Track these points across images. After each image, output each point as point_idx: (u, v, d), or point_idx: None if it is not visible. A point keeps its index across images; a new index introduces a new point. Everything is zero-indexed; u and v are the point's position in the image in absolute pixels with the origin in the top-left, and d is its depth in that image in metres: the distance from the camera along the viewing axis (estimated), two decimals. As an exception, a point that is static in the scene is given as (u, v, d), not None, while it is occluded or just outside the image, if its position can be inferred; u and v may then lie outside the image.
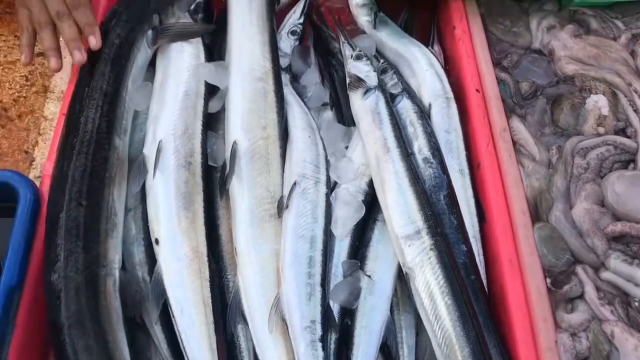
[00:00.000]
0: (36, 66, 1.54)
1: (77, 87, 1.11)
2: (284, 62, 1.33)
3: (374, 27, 1.37)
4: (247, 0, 1.29)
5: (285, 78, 1.29)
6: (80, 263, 0.89)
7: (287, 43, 1.37)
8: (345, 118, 1.25)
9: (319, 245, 1.02)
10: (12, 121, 1.45)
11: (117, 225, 1.00)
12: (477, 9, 1.37)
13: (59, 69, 1.11)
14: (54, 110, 1.25)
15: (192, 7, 1.31)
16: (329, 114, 1.26)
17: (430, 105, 1.20)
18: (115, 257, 0.96)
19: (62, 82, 1.29)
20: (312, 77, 1.31)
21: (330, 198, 1.09)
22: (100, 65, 1.11)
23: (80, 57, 1.09)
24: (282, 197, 1.07)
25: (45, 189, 1.06)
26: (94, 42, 1.10)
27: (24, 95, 1.49)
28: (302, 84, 1.31)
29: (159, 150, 1.07)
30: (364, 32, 1.39)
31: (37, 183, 1.11)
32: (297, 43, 1.38)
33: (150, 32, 1.20)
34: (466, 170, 1.14)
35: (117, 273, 0.95)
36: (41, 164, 1.17)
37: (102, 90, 1.08)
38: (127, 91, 1.13)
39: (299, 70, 1.34)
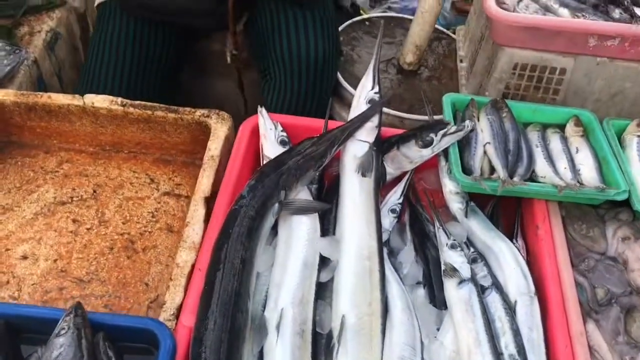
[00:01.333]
0: (161, 204, 1.78)
1: (218, 249, 1.30)
2: (383, 236, 1.51)
3: (466, 215, 1.55)
4: (359, 181, 1.51)
5: (384, 252, 1.47)
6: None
7: (387, 220, 1.56)
8: (437, 299, 1.40)
9: (413, 423, 1.16)
10: (137, 253, 1.66)
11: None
12: (559, 211, 1.55)
13: None
14: (186, 259, 1.44)
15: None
16: (421, 293, 1.42)
17: (515, 302, 1.35)
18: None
19: (194, 233, 1.49)
20: (408, 256, 1.48)
21: (423, 380, 1.23)
22: (239, 232, 1.31)
23: None
24: (381, 373, 1.22)
25: (181, 337, 1.23)
26: None
27: (149, 230, 1.71)
28: (399, 260, 1.49)
29: (280, 317, 1.25)
30: (455, 218, 1.58)
31: (168, 324, 1.29)
32: (396, 220, 1.57)
33: (277, 205, 1.41)
34: (545, 368, 1.27)
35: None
36: (172, 308, 1.34)
37: (240, 257, 1.27)
38: (257, 258, 1.33)
39: (396, 246, 1.53)
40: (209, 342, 1.15)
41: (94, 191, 1.79)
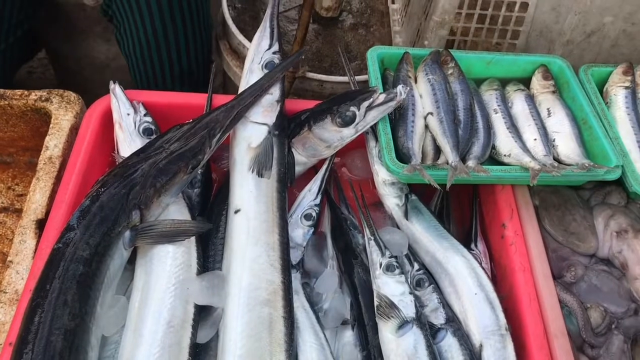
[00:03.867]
0: (-5, 225, 1.29)
1: (29, 317, 0.84)
2: (294, 255, 1.08)
3: (406, 215, 1.13)
4: (254, 184, 1.06)
5: (295, 280, 1.04)
6: None
7: (299, 230, 1.12)
8: (371, 346, 0.98)
9: None
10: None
11: None
12: (530, 199, 1.14)
13: None
14: (2, 319, 0.98)
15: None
16: (349, 339, 1.01)
17: (481, 345, 0.94)
18: None
19: (18, 278, 1.02)
20: (329, 283, 1.06)
21: None
22: (61, 288, 0.85)
23: None
24: None
25: None
26: None
27: (-25, 265, 1.23)
28: (317, 290, 1.06)
29: (127, 419, 0.81)
30: (391, 218, 1.16)
31: None
32: (311, 230, 1.13)
33: (127, 233, 0.95)
34: None
35: None
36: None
37: (62, 328, 0.82)
38: (96, 322, 0.87)
39: (312, 268, 1.09)
40: None
41: None
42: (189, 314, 0.93)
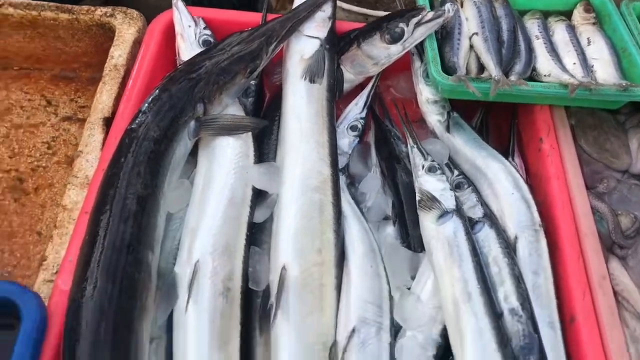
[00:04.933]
0: (60, 132, 1.39)
1: (106, 184, 0.93)
2: (341, 161, 1.15)
3: (447, 129, 1.19)
4: (306, 90, 1.13)
5: (341, 181, 1.12)
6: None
7: (345, 140, 1.20)
8: (411, 238, 1.06)
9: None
10: (28, 195, 1.28)
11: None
12: (567, 120, 1.20)
13: None
14: (75, 199, 1.08)
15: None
16: (390, 231, 1.08)
17: (516, 237, 1.01)
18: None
19: (88, 165, 1.12)
20: (372, 184, 1.13)
21: (395, 349, 0.90)
22: (135, 161, 0.94)
23: None
24: (335, 344, 0.88)
25: (56, 306, 0.88)
26: None
27: (43, 165, 1.33)
28: (361, 190, 1.13)
29: (194, 273, 0.89)
30: (433, 134, 1.22)
31: (47, 288, 0.95)
32: (357, 140, 1.21)
33: (192, 123, 1.03)
34: (557, 324, 0.95)
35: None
36: (54, 264, 1.00)
37: (136, 194, 0.91)
38: (164, 196, 0.96)
39: (357, 172, 1.17)
40: (85, 315, 0.80)
41: (-29, 119, 1.39)
42: (247, 195, 1.01)
